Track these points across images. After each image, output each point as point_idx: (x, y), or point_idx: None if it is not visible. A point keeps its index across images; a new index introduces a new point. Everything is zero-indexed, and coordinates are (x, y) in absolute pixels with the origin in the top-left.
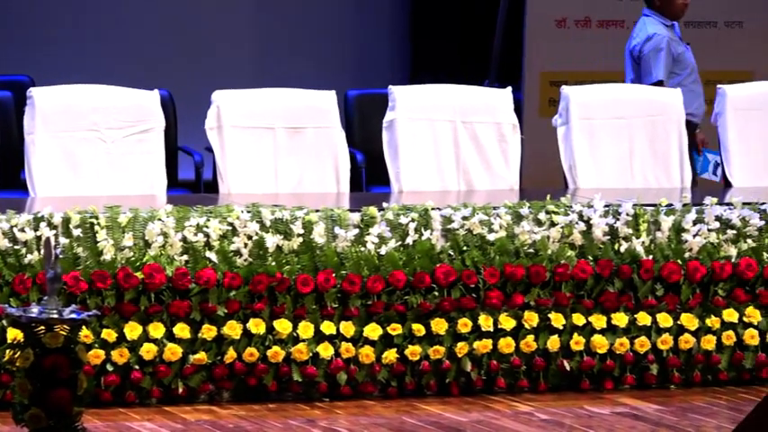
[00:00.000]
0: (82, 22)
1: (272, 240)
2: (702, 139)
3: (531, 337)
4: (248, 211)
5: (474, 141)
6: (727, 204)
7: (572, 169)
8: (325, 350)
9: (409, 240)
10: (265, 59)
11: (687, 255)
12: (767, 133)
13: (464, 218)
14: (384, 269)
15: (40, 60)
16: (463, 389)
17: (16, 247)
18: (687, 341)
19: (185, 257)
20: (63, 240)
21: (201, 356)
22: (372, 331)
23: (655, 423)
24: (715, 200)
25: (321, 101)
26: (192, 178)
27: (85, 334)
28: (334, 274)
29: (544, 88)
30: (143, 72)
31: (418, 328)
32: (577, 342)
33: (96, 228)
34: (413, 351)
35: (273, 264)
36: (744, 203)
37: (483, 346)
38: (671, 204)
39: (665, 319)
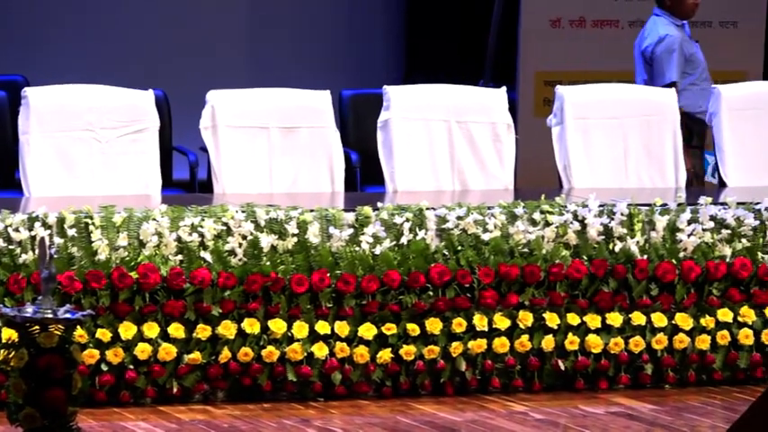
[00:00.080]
0: (77, 22)
1: (266, 240)
2: None
3: (525, 337)
4: (243, 211)
5: (469, 141)
6: (722, 204)
7: (566, 169)
8: (320, 350)
9: (404, 240)
10: (260, 59)
11: (682, 254)
12: (762, 133)
13: (459, 217)
14: (379, 269)
15: (34, 60)
16: (458, 388)
17: (11, 246)
18: (682, 341)
19: (180, 257)
20: (58, 240)
21: (196, 356)
22: (367, 331)
23: (649, 423)
24: (710, 199)
25: (316, 101)
26: (186, 178)
27: (80, 334)
28: (328, 274)
29: (539, 88)
30: (137, 72)
31: (413, 328)
32: (572, 342)
33: (91, 227)
34: (407, 351)
35: (268, 263)
36: (738, 203)
37: (478, 345)
38: (665, 204)
39: (659, 319)
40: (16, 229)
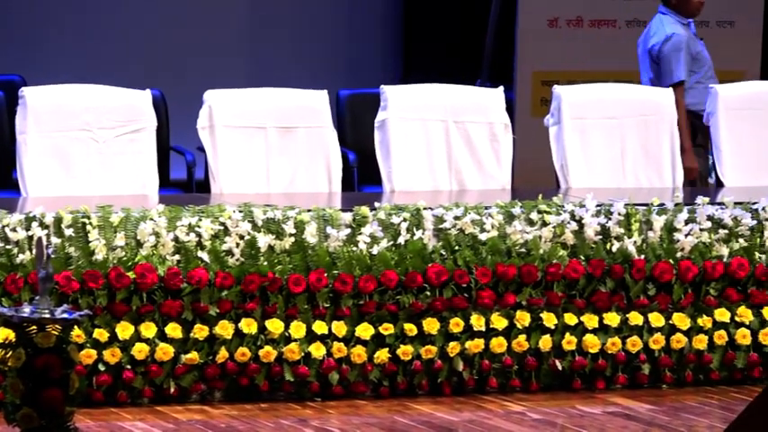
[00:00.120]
0: (74, 22)
1: (263, 240)
2: None
3: (522, 337)
4: (240, 211)
5: (466, 141)
6: (719, 204)
7: (564, 169)
8: (317, 350)
9: (401, 240)
10: (257, 59)
11: (679, 254)
12: (759, 133)
13: (456, 217)
14: (376, 269)
15: (31, 60)
16: (455, 388)
17: (8, 246)
18: (679, 341)
19: (177, 257)
20: (55, 240)
21: (193, 356)
22: (364, 331)
23: (646, 423)
24: (707, 199)
25: (313, 100)
26: (183, 178)
27: (77, 334)
28: (325, 274)
29: (536, 88)
30: (135, 72)
31: (410, 328)
32: (569, 342)
33: (88, 227)
34: (405, 351)
35: (265, 263)
36: (735, 203)
37: (475, 345)
38: (663, 204)
39: (656, 319)
40: (13, 229)
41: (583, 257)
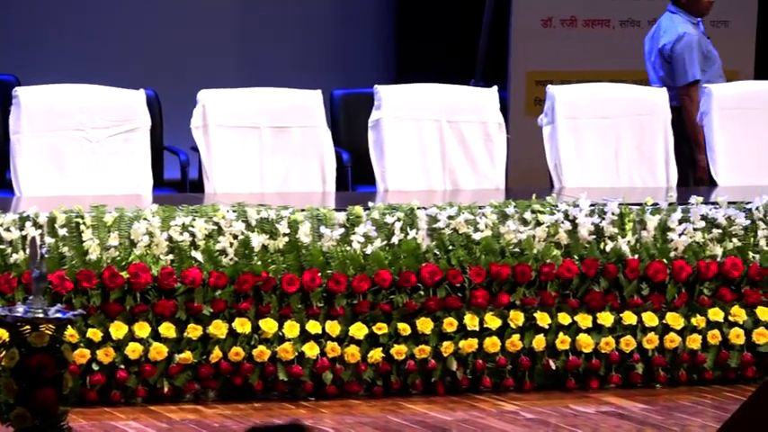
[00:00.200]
0: (67, 21)
1: (257, 240)
2: None
3: (516, 337)
4: (234, 211)
5: (460, 141)
6: (713, 203)
7: (557, 168)
8: (311, 349)
9: (395, 240)
10: (251, 59)
11: (673, 254)
12: (753, 132)
13: (450, 217)
14: (370, 268)
15: (25, 60)
16: (449, 388)
17: (2, 246)
18: (673, 340)
19: (171, 257)
20: (48, 240)
21: (187, 356)
22: (358, 330)
23: (640, 422)
24: (700, 199)
25: (307, 100)
26: (177, 178)
27: (71, 333)
28: (319, 274)
29: (530, 87)
30: (128, 71)
31: (404, 328)
32: (563, 341)
33: (82, 227)
34: (398, 350)
35: (259, 263)
36: (729, 203)
37: (468, 345)
38: (656, 203)
39: (650, 319)
40: (7, 229)
41: (576, 257)
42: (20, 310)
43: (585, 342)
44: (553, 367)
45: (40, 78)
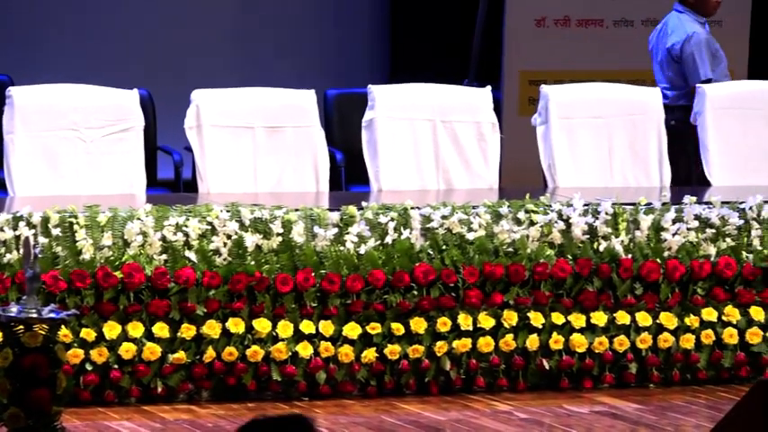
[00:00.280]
0: (61, 21)
1: (251, 240)
2: None
3: (510, 336)
4: (227, 211)
5: (453, 140)
6: (707, 203)
7: (551, 168)
8: (305, 349)
9: (388, 239)
10: (244, 59)
11: (666, 254)
12: (746, 132)
13: (443, 217)
14: (363, 268)
15: (19, 60)
16: (442, 388)
17: None
18: (666, 340)
19: (164, 257)
20: (42, 240)
21: (180, 356)
22: (351, 330)
23: (634, 422)
24: (694, 199)
25: (300, 100)
26: (171, 177)
27: (64, 333)
28: (313, 274)
29: (523, 87)
30: (122, 71)
31: (397, 328)
32: (556, 341)
33: (75, 227)
34: (392, 350)
35: (253, 263)
36: (723, 202)
37: (462, 345)
38: (650, 203)
39: (644, 318)
40: (1, 229)
41: (570, 257)
42: (13, 310)
43: (579, 342)
44: (547, 367)
45: (39, 78)
